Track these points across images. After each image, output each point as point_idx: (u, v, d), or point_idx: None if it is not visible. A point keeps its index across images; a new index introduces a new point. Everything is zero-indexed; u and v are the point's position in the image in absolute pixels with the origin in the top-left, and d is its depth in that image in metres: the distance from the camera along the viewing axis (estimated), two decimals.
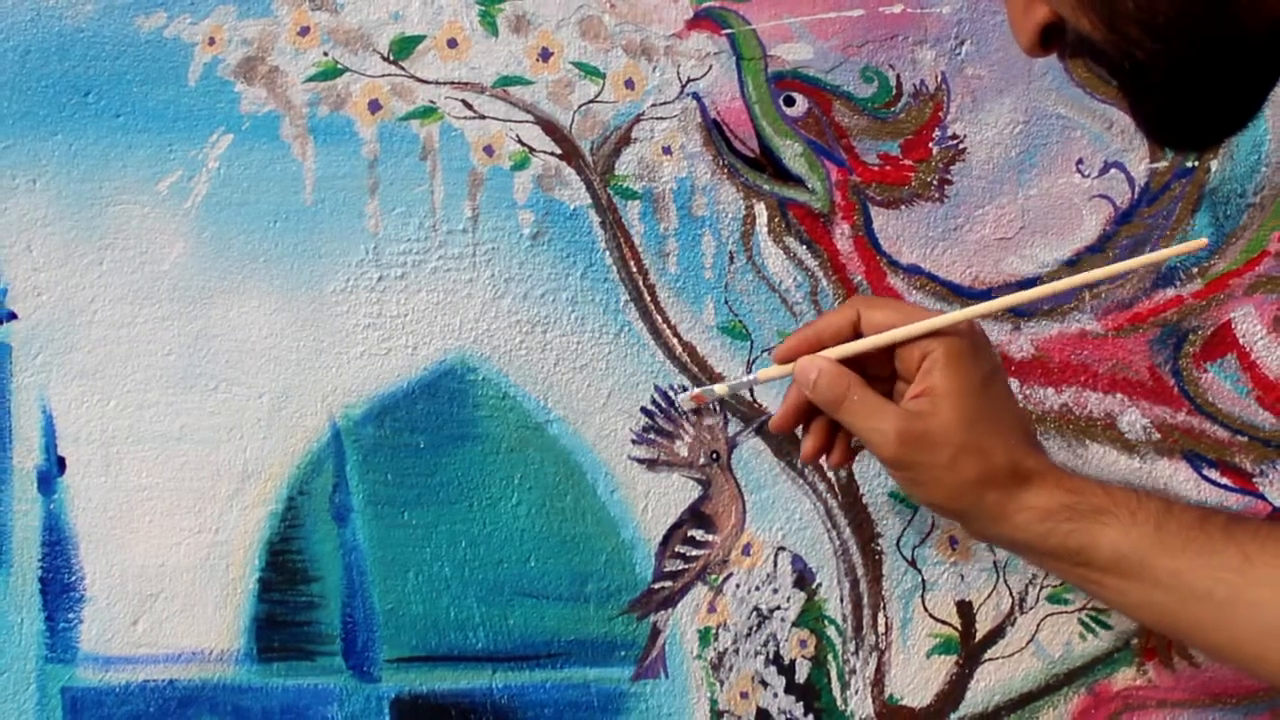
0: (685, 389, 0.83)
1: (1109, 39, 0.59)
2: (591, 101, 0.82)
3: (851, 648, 0.85)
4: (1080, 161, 0.86)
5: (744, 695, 0.83)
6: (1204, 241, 0.76)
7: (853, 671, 0.85)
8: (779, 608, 0.84)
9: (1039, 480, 0.72)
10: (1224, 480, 0.87)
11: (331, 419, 0.80)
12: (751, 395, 0.83)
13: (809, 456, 0.78)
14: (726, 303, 0.84)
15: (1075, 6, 0.60)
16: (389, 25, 0.80)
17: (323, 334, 0.80)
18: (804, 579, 0.84)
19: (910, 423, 0.72)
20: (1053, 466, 0.74)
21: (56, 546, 0.78)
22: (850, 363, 0.74)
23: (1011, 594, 0.86)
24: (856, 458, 0.80)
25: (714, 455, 0.83)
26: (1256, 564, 0.69)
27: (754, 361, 0.84)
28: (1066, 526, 0.72)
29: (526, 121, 0.81)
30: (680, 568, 0.83)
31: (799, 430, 0.78)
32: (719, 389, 0.79)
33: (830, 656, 0.84)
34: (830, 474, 0.84)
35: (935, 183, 0.85)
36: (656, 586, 0.83)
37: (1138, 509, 0.72)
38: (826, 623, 0.85)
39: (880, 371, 0.75)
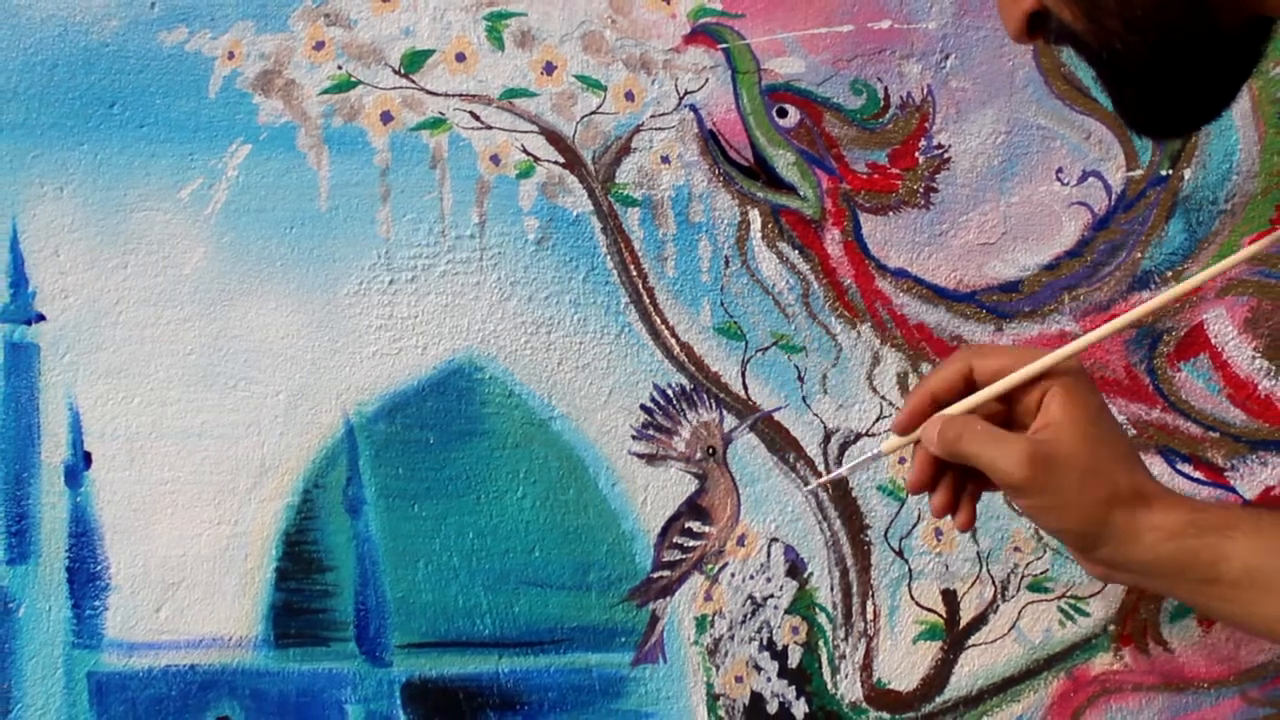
0: (682, 387, 0.85)
1: (1089, 29, 0.61)
2: (593, 113, 0.84)
3: (841, 634, 0.86)
4: (1060, 170, 0.88)
5: (739, 679, 0.85)
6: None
7: (843, 657, 0.86)
8: (772, 596, 0.85)
9: (1159, 501, 0.71)
10: (1197, 474, 0.89)
11: (345, 415, 0.81)
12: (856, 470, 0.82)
13: (938, 512, 0.75)
14: (722, 305, 0.85)
15: None
16: (400, 40, 0.82)
17: (337, 334, 0.81)
18: (796, 568, 0.86)
19: (1038, 448, 0.70)
20: (1168, 489, 0.73)
21: (83, 538, 0.79)
22: (972, 387, 0.74)
23: (994, 583, 0.88)
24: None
25: (710, 450, 0.85)
26: None
27: (748, 361, 0.86)
28: (1195, 543, 0.70)
29: (531, 132, 0.83)
30: (678, 558, 0.84)
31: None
32: (843, 471, 0.78)
33: (821, 642, 0.86)
34: (821, 468, 0.86)
35: (921, 190, 0.87)
36: (655, 576, 0.84)
37: (1260, 520, 0.70)
38: (817, 610, 0.86)
39: (994, 418, 0.74)
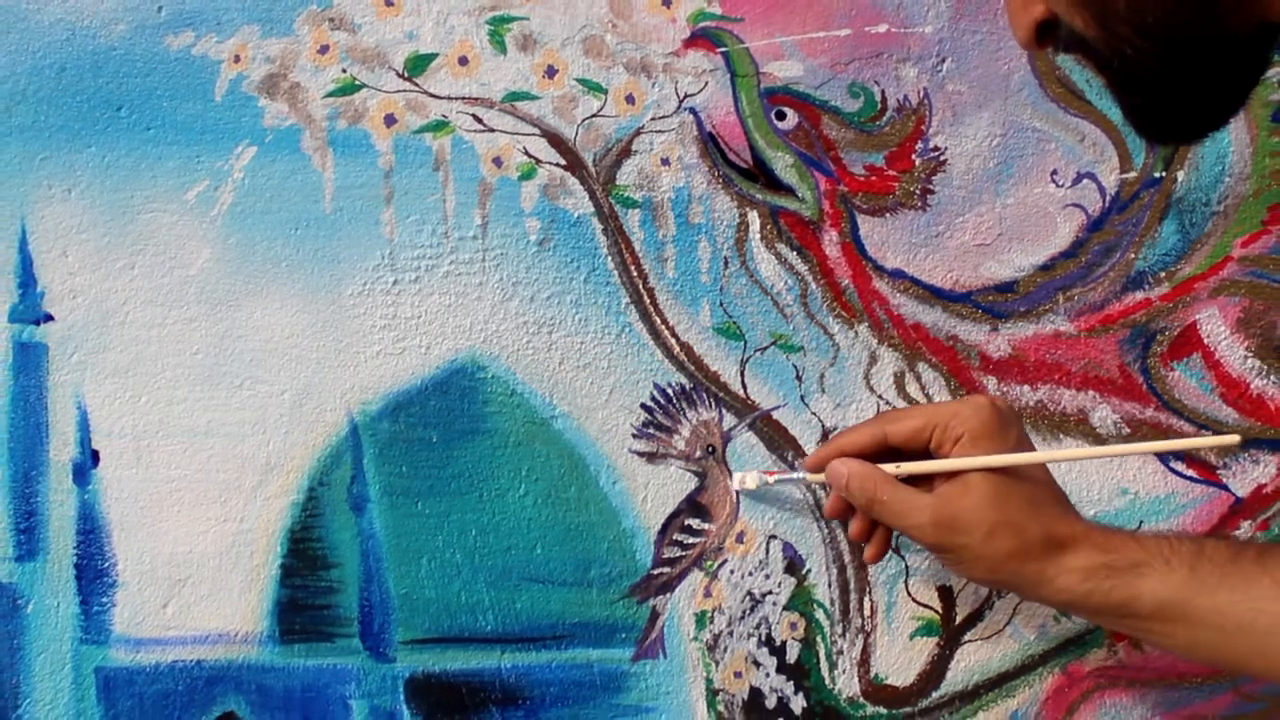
0: (681, 387, 0.85)
1: (1100, 36, 0.61)
2: (594, 116, 0.84)
3: (839, 630, 0.87)
4: (1054, 172, 0.89)
5: (738, 675, 0.85)
6: (1237, 439, 0.80)
7: (840, 652, 0.87)
8: (771, 592, 0.86)
9: (1074, 544, 0.74)
10: (1190, 472, 0.90)
11: (349, 414, 0.82)
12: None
13: (856, 538, 0.82)
14: (721, 305, 0.86)
15: (1069, 5, 0.62)
16: (404, 44, 0.82)
17: (341, 334, 0.82)
18: (794, 565, 0.86)
19: (942, 510, 0.74)
20: (1087, 528, 0.75)
21: (91, 535, 0.79)
22: (888, 449, 0.78)
23: None
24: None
25: (710, 449, 0.85)
26: None
27: (747, 361, 0.86)
28: (1108, 584, 0.73)
29: (533, 134, 0.84)
30: (678, 554, 0.85)
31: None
32: (770, 481, 0.83)
33: (819, 638, 0.86)
34: (818, 477, 0.86)
35: (918, 192, 0.88)
36: (655, 572, 0.85)
37: (1171, 555, 0.73)
38: (815, 606, 0.87)
39: (916, 450, 0.78)
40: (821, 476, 0.80)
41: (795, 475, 0.83)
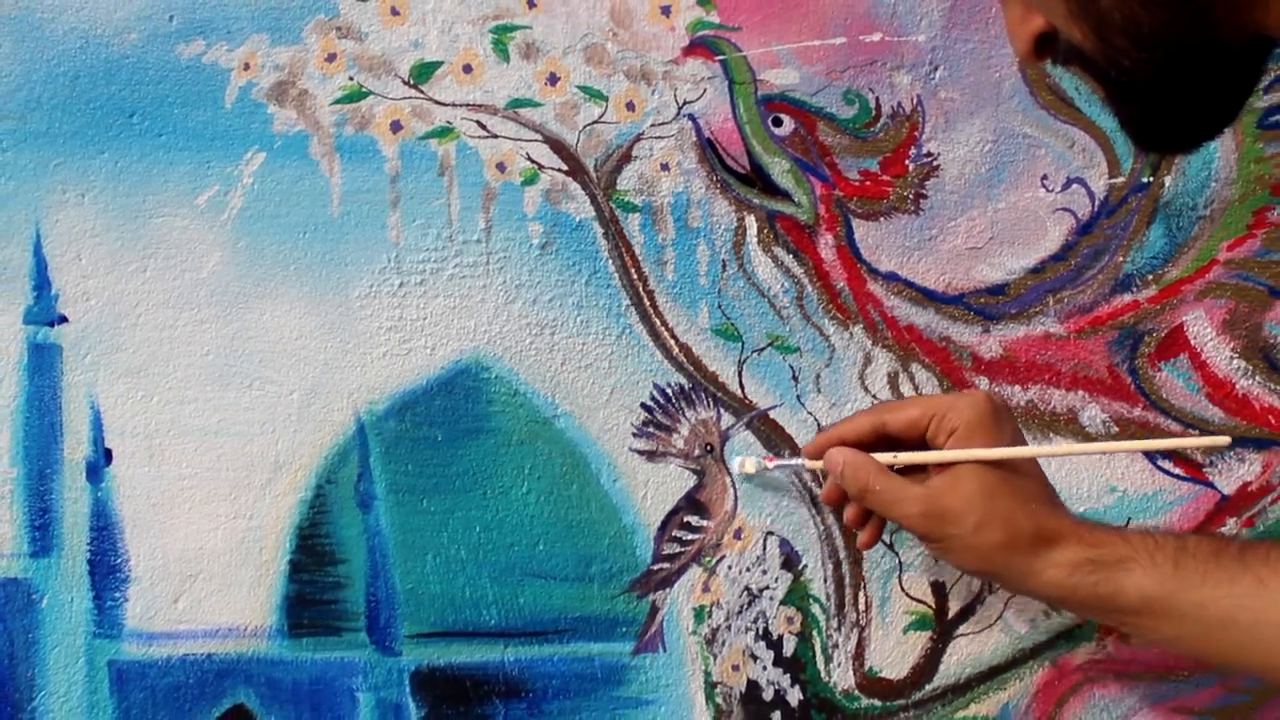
0: (681, 387, 0.86)
1: (1097, 48, 0.62)
2: (595, 122, 0.85)
3: (834, 624, 0.88)
4: (1045, 177, 0.90)
5: (735, 668, 0.86)
6: (1227, 440, 0.81)
7: (835, 646, 0.88)
8: (768, 587, 0.87)
9: (1061, 539, 0.75)
10: (1176, 470, 0.91)
11: (356, 414, 0.83)
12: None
13: (851, 524, 0.83)
14: (720, 307, 0.87)
15: (1067, 17, 0.63)
16: (409, 52, 0.83)
17: (348, 336, 0.83)
18: (791, 561, 0.87)
19: (933, 501, 0.75)
20: (1075, 523, 0.76)
21: (104, 531, 0.80)
22: (887, 437, 0.79)
23: None
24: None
25: (708, 447, 0.86)
26: (1271, 586, 0.72)
27: (744, 361, 0.88)
28: (1093, 578, 0.74)
29: (536, 140, 0.85)
30: (677, 550, 0.86)
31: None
32: (771, 467, 0.85)
33: (815, 632, 0.87)
34: (816, 464, 0.88)
35: (911, 197, 0.89)
36: (655, 568, 0.86)
37: (1156, 551, 0.74)
38: (811, 601, 0.88)
39: (913, 439, 0.79)
40: (820, 463, 0.81)
41: (794, 462, 0.84)
